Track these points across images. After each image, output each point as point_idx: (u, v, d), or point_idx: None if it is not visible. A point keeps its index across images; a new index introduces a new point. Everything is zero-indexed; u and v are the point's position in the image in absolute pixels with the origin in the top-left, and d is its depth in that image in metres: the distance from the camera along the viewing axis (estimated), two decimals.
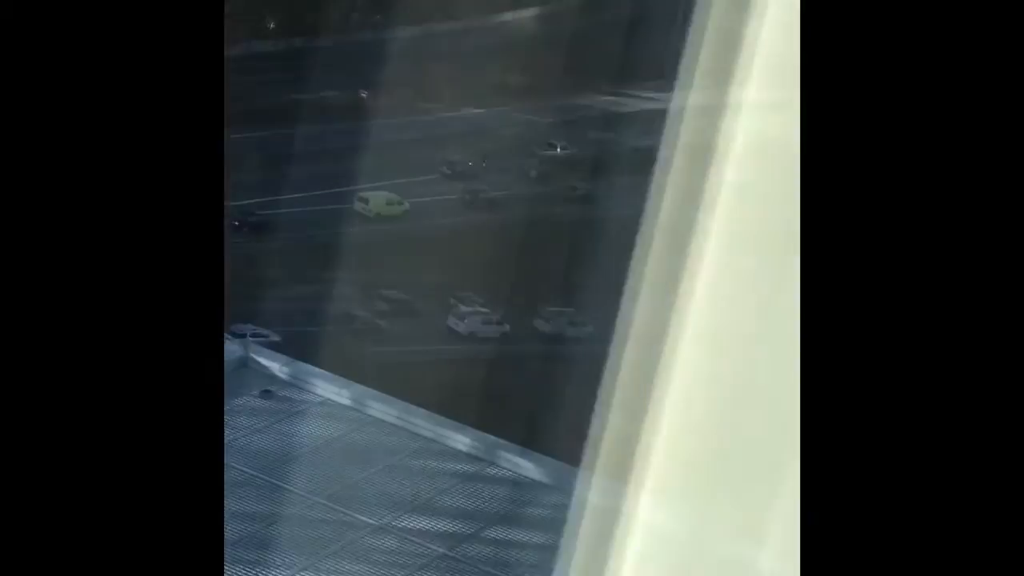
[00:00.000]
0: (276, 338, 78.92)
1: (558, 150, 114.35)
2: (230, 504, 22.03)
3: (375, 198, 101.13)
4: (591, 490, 7.89)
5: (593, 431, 7.69)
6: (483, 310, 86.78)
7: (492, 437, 25.60)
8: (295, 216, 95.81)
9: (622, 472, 7.37)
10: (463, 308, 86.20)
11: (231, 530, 21.34)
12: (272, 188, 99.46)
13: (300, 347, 69.65)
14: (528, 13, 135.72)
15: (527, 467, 24.58)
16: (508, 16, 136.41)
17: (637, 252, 7.29)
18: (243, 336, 77.00)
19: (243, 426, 24.38)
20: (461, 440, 25.09)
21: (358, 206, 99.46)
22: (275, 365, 26.47)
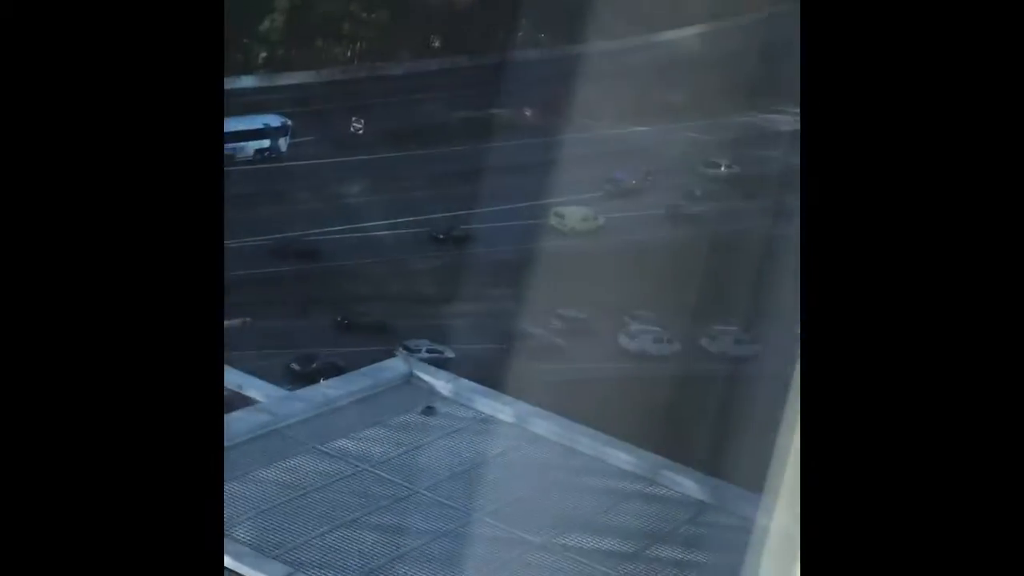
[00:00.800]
0: (451, 355, 79.45)
1: (722, 168, 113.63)
2: (397, 519, 21.98)
3: (571, 213, 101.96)
4: (774, 513, 7.86)
5: (777, 454, 7.69)
6: (654, 328, 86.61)
7: (655, 455, 25.30)
8: (489, 231, 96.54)
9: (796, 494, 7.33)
10: (634, 327, 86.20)
11: (398, 544, 21.29)
12: (450, 204, 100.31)
13: (474, 365, 70.35)
14: (690, 31, 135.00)
15: (689, 486, 24.25)
16: (670, 35, 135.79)
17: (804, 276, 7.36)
18: (418, 351, 78.06)
19: (406, 442, 24.34)
20: (623, 458, 24.82)
21: (554, 220, 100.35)
22: (438, 382, 26.41)
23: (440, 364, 73.08)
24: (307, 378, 57.59)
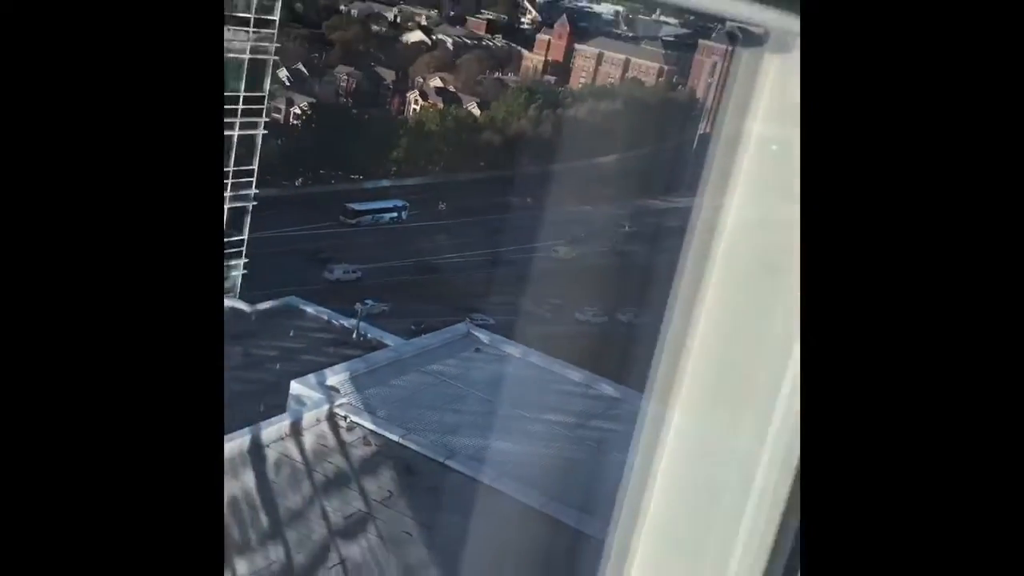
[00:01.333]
0: (492, 321, 79.56)
1: (626, 228, 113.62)
2: (460, 406, 22.04)
3: (563, 248, 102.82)
4: (648, 404, 7.09)
5: (651, 369, 6.94)
6: (592, 309, 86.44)
7: (592, 373, 25.30)
8: (507, 260, 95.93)
9: (666, 393, 6.41)
10: (587, 308, 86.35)
11: (460, 419, 21.35)
12: (490, 244, 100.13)
13: (506, 327, 70.37)
14: (610, 158, 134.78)
15: (609, 390, 24.23)
16: (601, 159, 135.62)
17: (675, 277, 6.18)
18: (476, 320, 78.05)
19: (466, 367, 24.39)
20: (575, 375, 24.85)
21: (554, 253, 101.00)
22: (483, 335, 26.44)
23: (488, 326, 73.39)
24: (419, 332, 58.11)
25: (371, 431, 20.15)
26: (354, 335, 26.41)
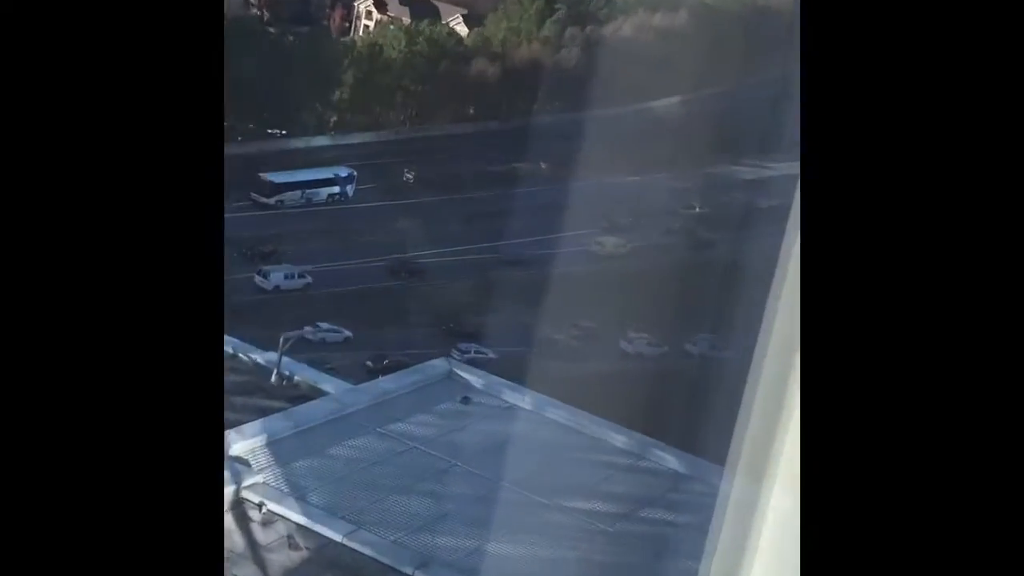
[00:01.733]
0: (493, 356, 79.66)
1: (696, 209, 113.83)
2: (439, 487, 21.96)
3: (607, 242, 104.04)
4: (733, 483, 7.11)
5: (736, 432, 6.97)
6: (645, 335, 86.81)
7: (643, 435, 25.24)
8: (537, 256, 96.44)
9: (759, 467, 6.58)
10: (636, 334, 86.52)
11: (440, 507, 21.27)
12: (485, 237, 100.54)
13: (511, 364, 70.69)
14: (673, 100, 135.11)
15: (671, 461, 24.18)
16: (659, 103, 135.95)
17: (773, 288, 6.40)
18: (468, 352, 78.43)
19: (446, 426, 24.33)
20: (618, 438, 24.79)
21: (595, 247, 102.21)
22: (473, 378, 26.39)
23: (484, 363, 73.48)
24: (379, 372, 58.05)
25: (300, 527, 20.04)
26: (273, 377, 26.26)
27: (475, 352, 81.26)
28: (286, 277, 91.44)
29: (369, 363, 75.55)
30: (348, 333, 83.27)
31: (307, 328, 63.53)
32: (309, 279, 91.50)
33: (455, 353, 79.29)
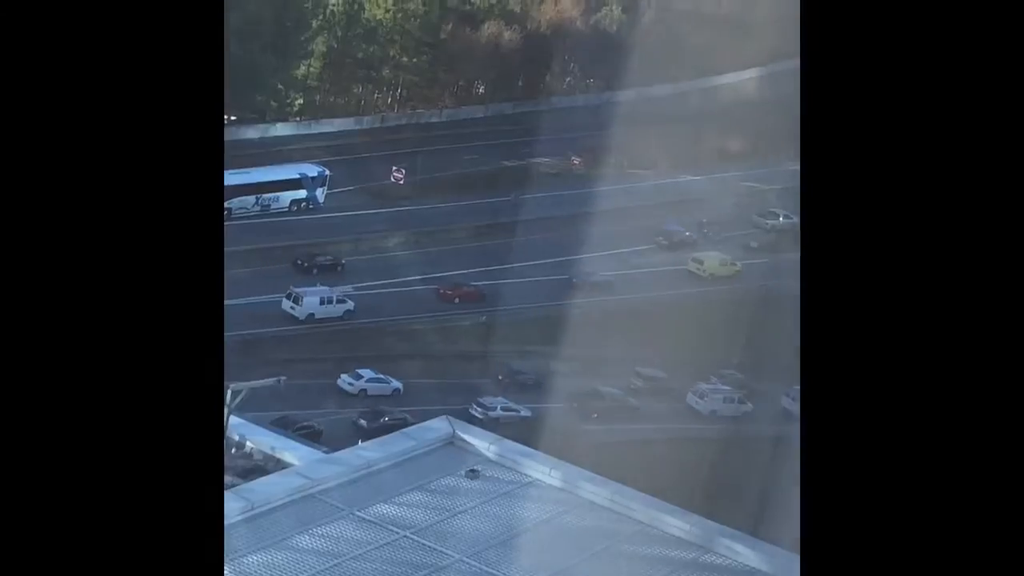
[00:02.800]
0: (526, 414, 79.68)
1: (780, 219, 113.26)
2: None
3: (709, 259, 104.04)
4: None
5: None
6: (724, 388, 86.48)
7: (710, 522, 25.21)
8: (526, 287, 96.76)
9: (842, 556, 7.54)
10: (703, 386, 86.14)
11: None
12: (492, 258, 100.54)
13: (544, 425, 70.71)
14: (748, 75, 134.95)
15: (746, 554, 24.15)
16: (727, 78, 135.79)
17: None
18: (493, 409, 78.19)
19: (447, 508, 24.32)
20: (678, 525, 24.74)
21: (692, 267, 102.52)
22: (482, 443, 26.41)
23: (517, 425, 73.50)
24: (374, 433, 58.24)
25: None
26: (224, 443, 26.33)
27: (501, 409, 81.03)
28: (322, 302, 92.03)
29: (360, 423, 75.31)
30: (397, 384, 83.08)
31: (280, 378, 63.67)
32: (350, 305, 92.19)
33: (475, 410, 79.23)
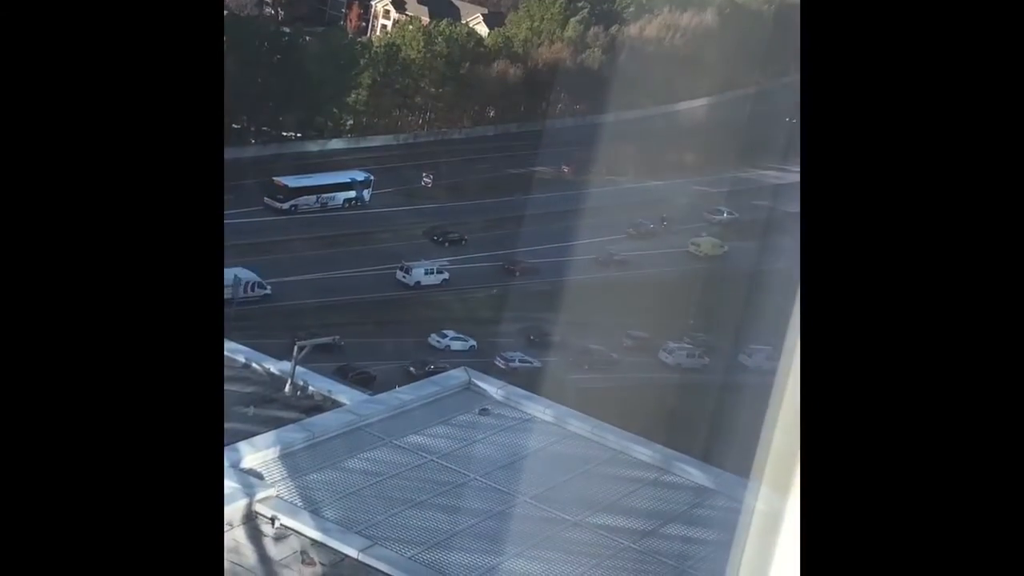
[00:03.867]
0: (538, 365, 79.90)
1: (724, 215, 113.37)
2: (456, 501, 21.93)
3: (704, 242, 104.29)
4: (759, 495, 7.22)
5: (761, 444, 7.05)
6: (687, 345, 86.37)
7: (668, 449, 25.15)
8: (542, 266, 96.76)
9: (783, 481, 6.68)
10: (672, 344, 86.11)
11: (456, 522, 21.22)
12: (505, 243, 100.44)
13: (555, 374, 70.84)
14: (699, 102, 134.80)
15: (696, 475, 24.10)
16: (682, 105, 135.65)
17: (800, 297, 6.46)
18: (513, 361, 78.70)
19: (465, 438, 24.30)
20: (642, 451, 24.72)
21: (691, 248, 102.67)
22: (492, 389, 26.35)
23: (533, 373, 74.25)
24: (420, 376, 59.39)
25: (313, 541, 20.06)
26: (287, 387, 26.26)
27: (519, 361, 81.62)
28: (426, 272, 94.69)
29: (412, 369, 75.64)
30: (473, 342, 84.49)
31: (336, 337, 63.01)
32: (446, 275, 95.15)
33: (499, 361, 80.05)
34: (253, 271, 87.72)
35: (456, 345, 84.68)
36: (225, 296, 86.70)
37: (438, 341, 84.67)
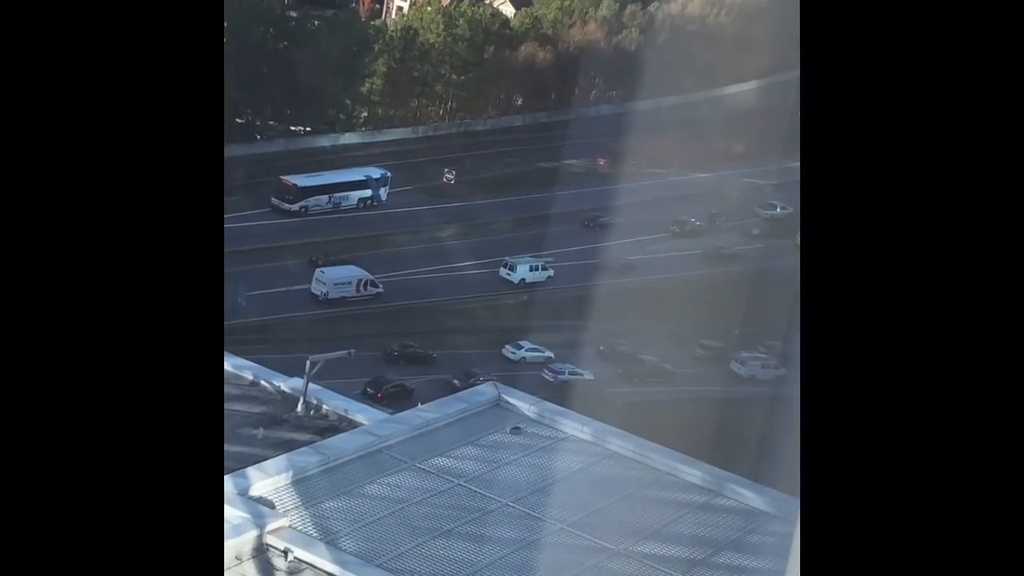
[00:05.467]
0: (590, 377, 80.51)
1: (777, 210, 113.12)
2: (485, 530, 21.96)
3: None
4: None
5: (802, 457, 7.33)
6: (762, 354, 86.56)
7: (720, 470, 25.10)
8: (565, 270, 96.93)
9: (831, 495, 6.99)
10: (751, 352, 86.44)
11: (486, 552, 21.24)
12: (534, 247, 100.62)
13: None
14: (749, 85, 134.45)
15: (751, 497, 24.04)
16: (731, 89, 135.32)
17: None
18: (563, 374, 79.46)
19: (494, 460, 24.30)
20: (692, 473, 24.67)
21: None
22: (524, 405, 26.35)
23: (581, 385, 75.02)
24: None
25: (330, 575, 20.10)
26: (299, 406, 26.34)
27: (568, 374, 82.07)
28: (531, 269, 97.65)
29: (456, 382, 75.90)
30: (550, 353, 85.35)
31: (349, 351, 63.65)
32: (551, 272, 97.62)
33: (547, 375, 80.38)
34: (254, 279, 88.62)
35: (532, 356, 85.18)
36: (345, 295, 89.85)
37: (513, 352, 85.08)
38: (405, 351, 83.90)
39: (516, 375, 77.42)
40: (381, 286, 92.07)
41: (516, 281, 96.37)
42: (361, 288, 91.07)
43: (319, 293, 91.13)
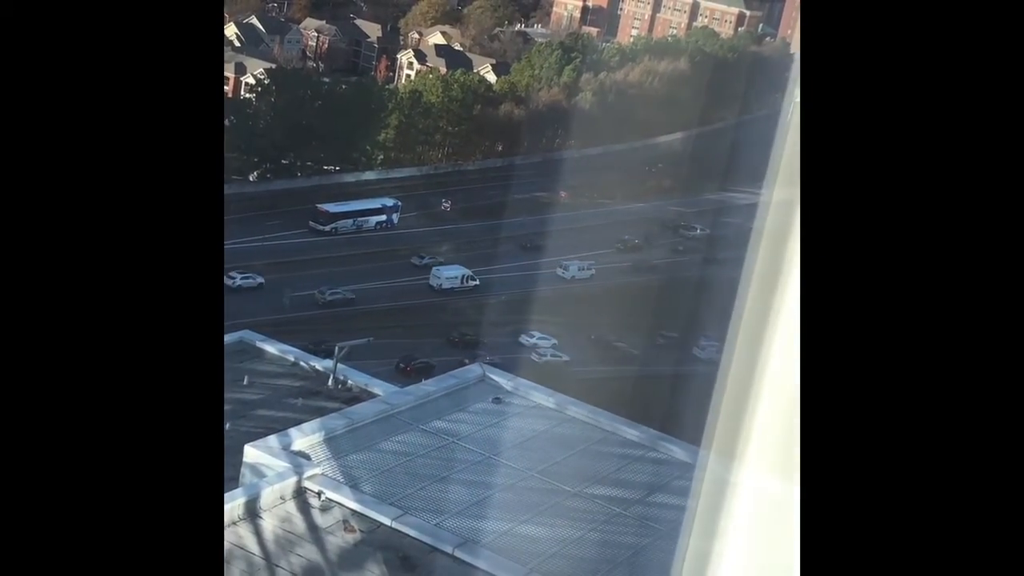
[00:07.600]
0: (567, 358, 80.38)
1: (697, 231, 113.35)
2: (474, 476, 21.93)
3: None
4: (709, 464, 6.80)
5: (709, 419, 6.68)
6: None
7: (654, 430, 25.11)
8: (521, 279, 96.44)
9: (731, 450, 6.32)
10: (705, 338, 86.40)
11: (473, 495, 21.21)
12: (512, 258, 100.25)
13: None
14: (675, 136, 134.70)
15: (679, 452, 24.06)
16: (661, 138, 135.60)
17: (739, 296, 6.29)
18: (545, 355, 79.39)
19: (481, 423, 24.28)
20: (631, 432, 24.69)
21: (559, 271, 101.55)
22: (504, 381, 26.33)
23: (559, 365, 75.32)
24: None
25: (354, 512, 20.10)
26: (330, 381, 26.30)
27: (550, 356, 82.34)
28: (579, 269, 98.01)
29: (466, 361, 75.51)
30: (554, 340, 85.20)
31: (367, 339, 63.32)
32: (593, 271, 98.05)
33: (533, 356, 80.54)
34: (292, 285, 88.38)
35: (542, 344, 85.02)
36: (448, 287, 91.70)
37: (527, 339, 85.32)
38: (463, 338, 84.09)
39: (517, 357, 77.72)
40: (478, 279, 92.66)
41: (567, 277, 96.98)
42: (464, 281, 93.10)
43: (435, 285, 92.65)
